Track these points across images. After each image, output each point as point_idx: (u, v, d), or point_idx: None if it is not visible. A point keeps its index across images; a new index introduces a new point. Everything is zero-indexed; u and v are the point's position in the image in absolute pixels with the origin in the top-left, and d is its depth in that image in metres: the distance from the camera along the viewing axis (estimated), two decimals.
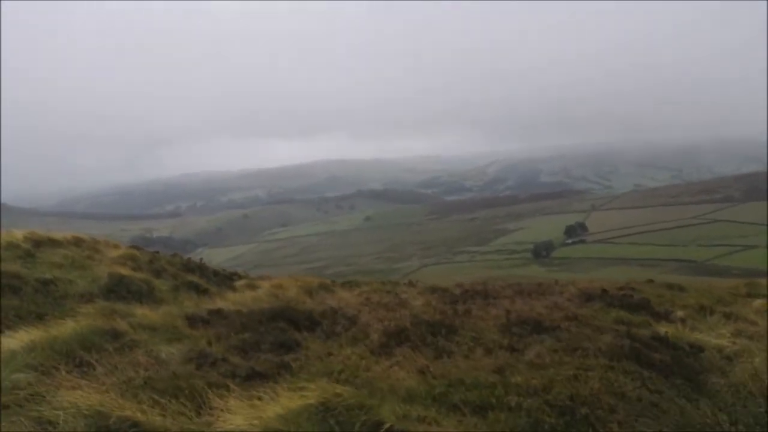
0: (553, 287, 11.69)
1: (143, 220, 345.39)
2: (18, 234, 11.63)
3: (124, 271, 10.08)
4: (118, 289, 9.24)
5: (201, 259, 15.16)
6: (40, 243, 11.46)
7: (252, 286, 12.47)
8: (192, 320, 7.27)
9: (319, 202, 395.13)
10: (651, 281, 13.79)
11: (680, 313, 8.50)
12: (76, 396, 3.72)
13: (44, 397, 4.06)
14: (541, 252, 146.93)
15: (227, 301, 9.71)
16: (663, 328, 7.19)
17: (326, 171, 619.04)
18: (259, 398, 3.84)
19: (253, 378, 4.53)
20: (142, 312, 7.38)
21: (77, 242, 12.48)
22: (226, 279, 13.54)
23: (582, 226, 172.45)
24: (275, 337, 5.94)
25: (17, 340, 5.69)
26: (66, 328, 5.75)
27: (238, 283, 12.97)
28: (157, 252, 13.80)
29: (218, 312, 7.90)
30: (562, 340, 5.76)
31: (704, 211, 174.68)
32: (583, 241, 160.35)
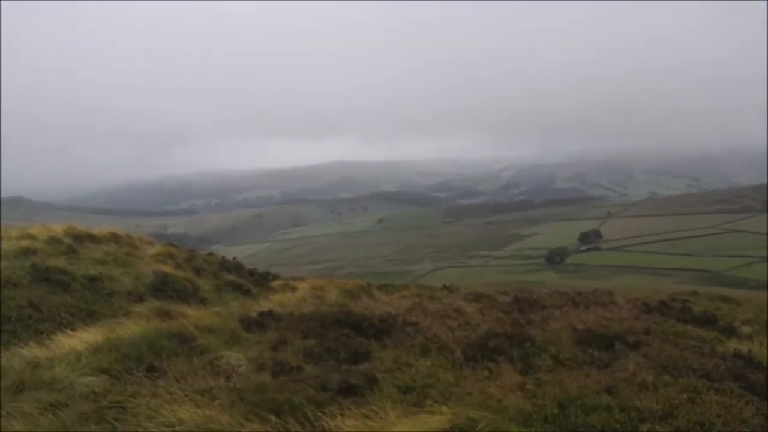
0: (598, 296, 11.36)
1: (158, 216, 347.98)
2: (58, 228, 11.50)
3: (168, 269, 9.89)
4: (164, 288, 9.05)
5: (234, 258, 14.98)
6: (80, 238, 11.32)
7: (289, 287, 12.23)
8: (245, 323, 7.03)
9: (333, 203, 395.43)
10: (696, 293, 13.40)
11: (746, 329, 8.15)
12: (181, 412, 3.43)
13: (126, 407, 3.81)
14: (555, 258, 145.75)
15: (271, 303, 9.47)
16: (738, 345, 6.85)
17: (339, 172, 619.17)
18: (368, 417, 3.56)
19: (346, 392, 4.23)
20: (195, 313, 7.15)
21: (115, 238, 12.32)
22: (261, 279, 13.33)
23: (596, 233, 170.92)
24: (344, 345, 5.66)
25: (78, 339, 5.48)
26: (131, 329, 5.52)
27: (275, 284, 12.74)
28: (193, 250, 13.63)
29: (269, 314, 7.66)
30: (649, 357, 5.44)
31: (721, 221, 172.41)
32: (597, 248, 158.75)
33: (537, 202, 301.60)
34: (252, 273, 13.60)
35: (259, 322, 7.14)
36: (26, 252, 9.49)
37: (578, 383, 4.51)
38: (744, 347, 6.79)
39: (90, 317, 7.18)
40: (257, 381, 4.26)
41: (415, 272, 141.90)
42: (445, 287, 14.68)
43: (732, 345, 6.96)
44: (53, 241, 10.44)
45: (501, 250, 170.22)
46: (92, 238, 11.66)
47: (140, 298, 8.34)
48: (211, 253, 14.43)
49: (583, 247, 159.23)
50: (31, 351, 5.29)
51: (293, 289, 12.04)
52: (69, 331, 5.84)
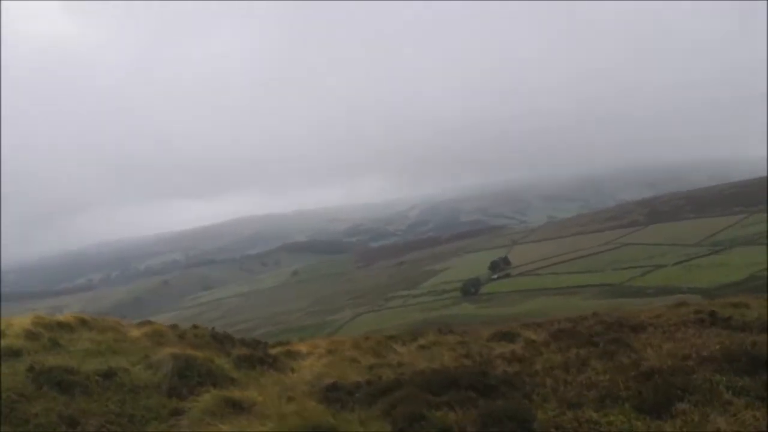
0: (627, 319, 11.18)
1: (50, 297, 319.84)
2: (25, 320, 9.73)
3: (182, 350, 8.50)
4: (189, 374, 7.71)
5: (213, 327, 13.53)
6: (52, 328, 9.63)
7: (293, 353, 11.05)
8: (327, 401, 6.01)
9: (242, 260, 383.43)
10: (686, 303, 13.71)
11: None
12: None
13: None
14: (470, 289, 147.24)
15: (304, 373, 8.39)
16: None
17: (247, 228, 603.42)
18: None
19: None
20: (260, 398, 6.03)
21: (84, 323, 10.64)
22: (256, 347, 12.02)
23: (505, 261, 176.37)
24: (492, 412, 4.85)
25: None
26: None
27: (274, 351, 11.48)
28: (176, 325, 12.12)
29: (335, 387, 6.66)
30: None
31: (613, 237, 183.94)
32: (508, 275, 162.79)
33: (445, 237, 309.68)
34: (243, 342, 12.28)
35: (337, 398, 6.13)
36: (9, 353, 7.78)
37: None
38: None
39: (131, 422, 5.84)
40: None
41: (336, 322, 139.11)
42: (439, 331, 14.02)
43: None
44: (31, 335, 8.71)
45: (417, 288, 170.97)
46: (63, 326, 9.95)
47: (172, 390, 6.99)
48: (195, 326, 12.92)
49: (495, 276, 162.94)
50: None
51: (299, 354, 10.90)
52: None
